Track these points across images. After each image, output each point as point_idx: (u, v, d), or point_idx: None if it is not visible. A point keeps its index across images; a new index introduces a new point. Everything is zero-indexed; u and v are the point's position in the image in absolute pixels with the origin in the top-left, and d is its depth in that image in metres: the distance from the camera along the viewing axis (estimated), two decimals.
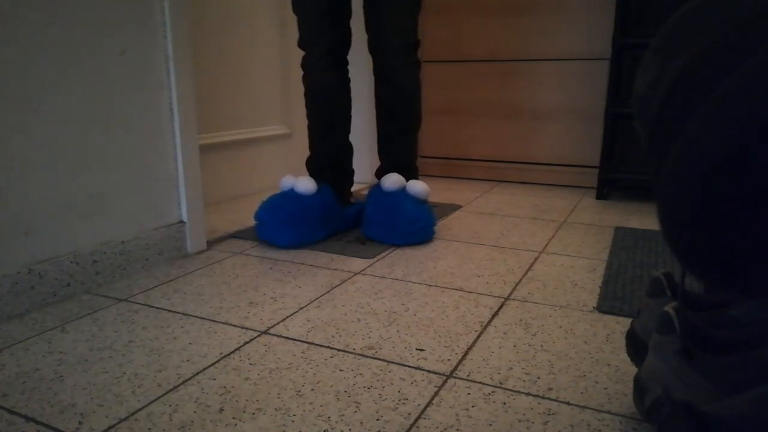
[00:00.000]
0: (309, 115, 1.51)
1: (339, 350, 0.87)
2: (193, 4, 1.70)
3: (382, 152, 1.56)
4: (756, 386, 0.49)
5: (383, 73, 1.45)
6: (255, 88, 2.01)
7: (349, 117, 1.54)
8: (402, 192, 1.43)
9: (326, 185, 1.47)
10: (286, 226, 1.37)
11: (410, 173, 1.54)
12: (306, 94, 1.49)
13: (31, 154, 0.99)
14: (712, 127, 0.32)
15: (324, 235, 1.44)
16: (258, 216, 1.40)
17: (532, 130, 2.24)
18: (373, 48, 1.43)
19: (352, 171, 1.60)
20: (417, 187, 1.43)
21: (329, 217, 1.45)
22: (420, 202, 1.42)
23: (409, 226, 1.39)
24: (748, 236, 0.32)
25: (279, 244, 1.38)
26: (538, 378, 0.79)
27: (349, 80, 1.51)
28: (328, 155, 1.53)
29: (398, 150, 1.53)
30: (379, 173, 1.57)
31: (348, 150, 1.56)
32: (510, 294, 1.10)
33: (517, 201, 1.94)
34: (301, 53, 1.48)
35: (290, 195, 1.41)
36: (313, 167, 1.54)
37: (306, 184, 1.41)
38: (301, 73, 1.49)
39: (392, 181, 1.43)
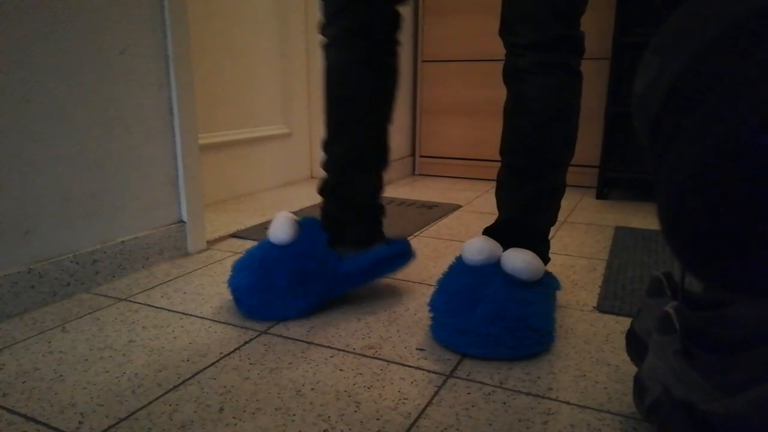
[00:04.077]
0: (324, 105, 1.05)
1: (339, 350, 0.87)
2: (193, 3, 1.70)
3: (496, 199, 1.03)
4: (756, 386, 0.49)
5: (506, 79, 0.95)
6: (255, 88, 2.01)
7: (383, 117, 1.03)
8: (491, 267, 0.88)
9: (315, 223, 1.02)
10: (255, 292, 0.96)
11: (524, 239, 0.95)
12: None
13: (31, 153, 0.99)
14: (711, 127, 0.32)
15: (303, 304, 0.97)
16: (231, 280, 1.00)
17: None
18: (503, 43, 0.95)
19: (378, 206, 1.08)
20: (516, 260, 0.87)
21: (311, 278, 0.97)
22: (519, 287, 0.87)
23: (485, 324, 0.82)
24: (747, 236, 0.32)
25: (243, 313, 0.98)
26: (538, 378, 0.79)
27: (391, 69, 1.02)
28: (333, 170, 1.03)
29: (510, 197, 0.98)
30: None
31: (368, 167, 1.04)
32: None
33: None
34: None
35: (265, 246, 1.00)
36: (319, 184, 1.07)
37: (278, 230, 0.98)
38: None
39: (476, 248, 0.90)
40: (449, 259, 1.30)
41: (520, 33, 0.89)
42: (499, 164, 1.00)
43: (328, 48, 1.00)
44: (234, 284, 0.99)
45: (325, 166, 1.04)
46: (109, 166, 1.13)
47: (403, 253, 1.06)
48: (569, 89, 0.91)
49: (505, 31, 0.92)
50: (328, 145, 1.03)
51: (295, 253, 0.97)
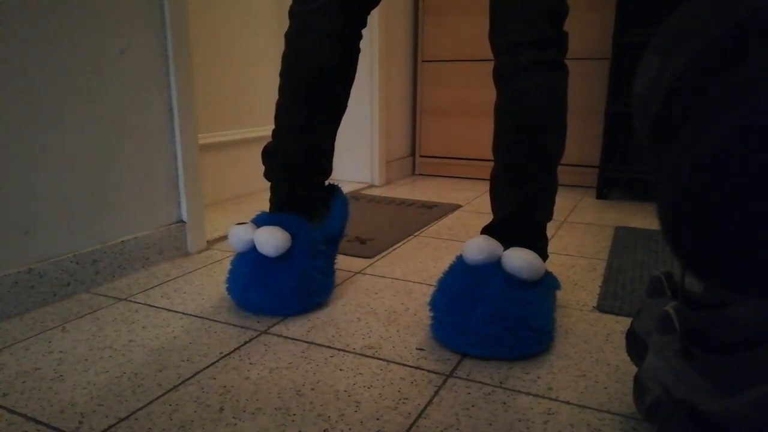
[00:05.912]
0: (283, 91, 1.02)
1: (339, 350, 0.87)
2: (193, 3, 1.70)
3: (491, 198, 1.01)
4: (756, 386, 0.49)
5: (499, 78, 0.94)
6: (255, 88, 2.01)
7: (344, 108, 1.07)
8: (491, 267, 0.87)
9: (293, 218, 1.01)
10: (296, 300, 0.98)
11: (524, 236, 0.94)
12: (284, 60, 1.01)
13: (31, 153, 0.99)
14: (711, 128, 0.32)
15: (329, 283, 1.06)
16: (231, 290, 1.01)
17: None
18: (492, 43, 0.95)
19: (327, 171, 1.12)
20: (516, 260, 0.86)
21: (327, 259, 1.06)
22: (519, 287, 0.86)
23: (485, 324, 0.82)
24: (747, 236, 0.32)
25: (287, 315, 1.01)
26: (538, 377, 0.79)
27: (357, 53, 1.04)
28: (299, 155, 1.04)
29: (509, 195, 0.96)
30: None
31: (330, 154, 1.09)
32: None
33: None
34: None
35: (267, 261, 0.98)
36: (272, 168, 1.06)
37: (273, 241, 0.95)
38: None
39: (477, 248, 0.88)
40: (449, 259, 1.30)
41: (518, 31, 0.89)
42: (498, 164, 0.99)
43: (302, 33, 1.00)
44: (269, 305, 0.98)
45: (289, 150, 1.04)
46: (109, 166, 1.13)
47: (345, 197, 1.16)
48: (562, 86, 0.93)
49: (498, 31, 0.92)
50: (294, 131, 1.03)
51: (310, 246, 1.00)
